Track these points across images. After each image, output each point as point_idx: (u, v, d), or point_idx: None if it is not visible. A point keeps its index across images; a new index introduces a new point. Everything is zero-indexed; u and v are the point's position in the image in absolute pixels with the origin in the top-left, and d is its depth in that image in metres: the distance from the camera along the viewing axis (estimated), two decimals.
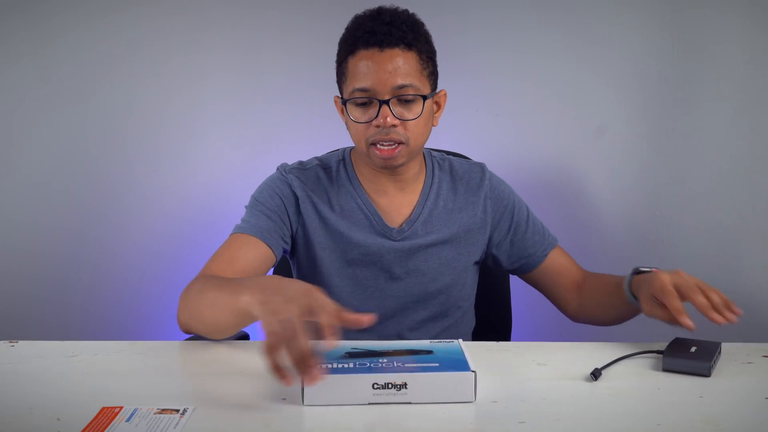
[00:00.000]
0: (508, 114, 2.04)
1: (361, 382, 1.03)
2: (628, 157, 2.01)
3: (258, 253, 1.41)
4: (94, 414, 1.02)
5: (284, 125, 2.10)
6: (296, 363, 0.97)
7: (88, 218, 2.15)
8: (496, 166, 1.59)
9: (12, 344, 1.30)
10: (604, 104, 2.00)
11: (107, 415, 1.01)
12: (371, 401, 1.03)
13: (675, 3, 1.92)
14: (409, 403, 1.03)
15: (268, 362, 0.98)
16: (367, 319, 1.05)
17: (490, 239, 1.54)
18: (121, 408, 1.03)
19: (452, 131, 2.00)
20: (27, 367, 1.21)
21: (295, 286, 1.07)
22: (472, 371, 1.04)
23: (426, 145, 1.56)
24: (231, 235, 1.44)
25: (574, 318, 1.55)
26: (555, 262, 1.54)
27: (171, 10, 2.06)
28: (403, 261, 1.47)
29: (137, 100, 2.11)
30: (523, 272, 1.57)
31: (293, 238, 1.49)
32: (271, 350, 0.98)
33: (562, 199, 2.06)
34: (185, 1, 2.06)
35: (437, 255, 1.49)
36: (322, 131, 1.85)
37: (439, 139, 1.71)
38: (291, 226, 1.47)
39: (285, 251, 1.49)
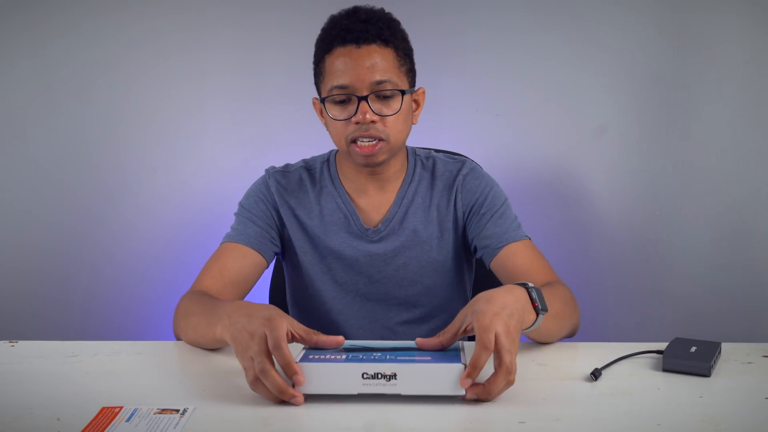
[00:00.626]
0: (508, 114, 2.04)
1: (351, 372, 1.03)
2: (627, 157, 2.01)
3: (248, 261, 1.42)
4: (94, 414, 1.02)
5: (284, 125, 2.10)
6: (275, 393, 1.02)
7: (88, 218, 2.15)
8: (496, 166, 1.59)
9: (12, 344, 1.30)
10: (603, 104, 2.00)
11: (107, 415, 1.01)
12: (360, 391, 1.03)
13: (674, 3, 1.92)
14: (399, 395, 1.03)
15: (262, 395, 1.04)
16: (340, 340, 1.10)
17: (465, 233, 1.49)
18: (121, 408, 1.03)
19: (452, 131, 2.00)
20: (27, 367, 1.21)
21: (259, 319, 1.05)
22: (462, 363, 1.03)
23: (425, 145, 1.55)
24: (221, 244, 1.45)
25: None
26: (509, 260, 1.40)
27: (171, 10, 2.06)
28: (380, 264, 1.47)
29: (137, 100, 2.11)
30: (487, 266, 1.46)
31: (281, 240, 1.50)
32: (254, 385, 1.03)
33: (561, 199, 2.05)
34: (185, 0, 2.06)
35: (416, 257, 1.47)
36: (321, 131, 1.84)
37: (440, 139, 1.71)
38: (278, 229, 1.48)
39: (277, 254, 1.50)
